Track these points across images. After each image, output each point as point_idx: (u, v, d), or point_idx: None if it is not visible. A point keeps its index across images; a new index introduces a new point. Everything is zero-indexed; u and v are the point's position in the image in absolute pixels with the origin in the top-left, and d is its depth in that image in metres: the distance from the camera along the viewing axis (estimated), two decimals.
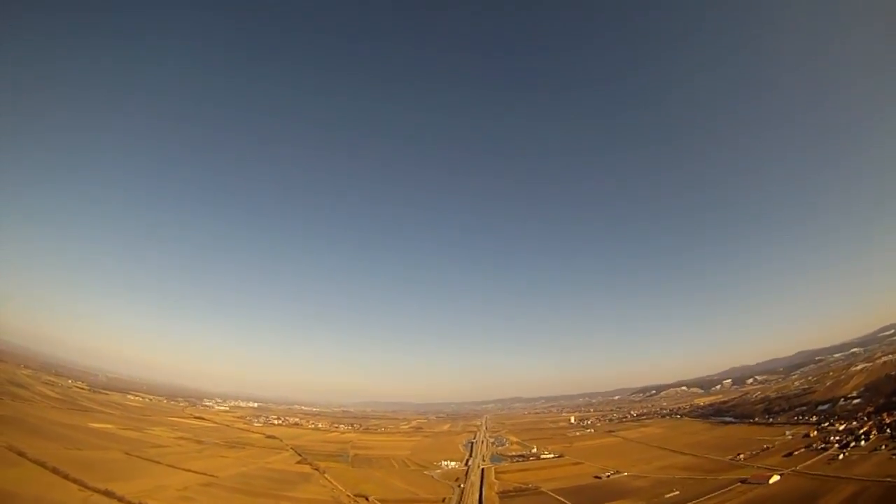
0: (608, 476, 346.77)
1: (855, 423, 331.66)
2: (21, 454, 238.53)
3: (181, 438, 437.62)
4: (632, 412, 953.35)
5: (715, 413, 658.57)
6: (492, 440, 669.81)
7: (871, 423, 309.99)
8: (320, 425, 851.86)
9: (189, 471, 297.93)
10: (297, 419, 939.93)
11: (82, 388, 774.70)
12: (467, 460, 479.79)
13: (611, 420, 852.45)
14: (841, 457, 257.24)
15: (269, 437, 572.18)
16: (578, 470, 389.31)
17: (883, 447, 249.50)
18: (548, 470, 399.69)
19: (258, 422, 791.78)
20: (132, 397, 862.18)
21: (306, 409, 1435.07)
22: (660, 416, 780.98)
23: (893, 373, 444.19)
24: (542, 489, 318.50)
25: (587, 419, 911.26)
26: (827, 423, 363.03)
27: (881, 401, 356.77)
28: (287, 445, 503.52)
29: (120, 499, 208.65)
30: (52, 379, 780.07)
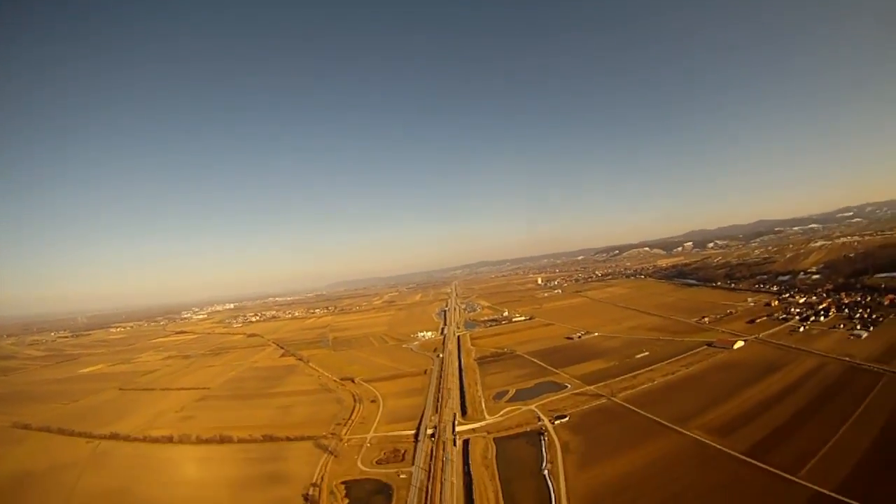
0: (579, 337, 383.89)
1: (814, 297, 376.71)
2: (26, 427, 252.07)
3: (168, 358, 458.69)
4: (597, 272, 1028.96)
5: (678, 275, 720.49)
6: (463, 306, 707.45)
7: (830, 300, 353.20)
8: (297, 313, 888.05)
9: (182, 389, 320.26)
10: (273, 312, 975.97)
11: (66, 337, 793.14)
12: (442, 329, 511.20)
13: (577, 280, 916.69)
14: (801, 329, 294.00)
15: (250, 335, 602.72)
16: (550, 332, 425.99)
17: (841, 326, 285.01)
18: (521, 333, 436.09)
19: (237, 322, 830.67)
20: (115, 330, 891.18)
21: (281, 300, 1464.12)
22: (624, 277, 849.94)
23: (852, 255, 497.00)
24: (518, 352, 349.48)
25: (553, 280, 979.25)
26: (787, 295, 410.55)
27: (840, 280, 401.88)
28: (269, 340, 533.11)
29: (125, 438, 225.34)
30: (35, 338, 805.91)
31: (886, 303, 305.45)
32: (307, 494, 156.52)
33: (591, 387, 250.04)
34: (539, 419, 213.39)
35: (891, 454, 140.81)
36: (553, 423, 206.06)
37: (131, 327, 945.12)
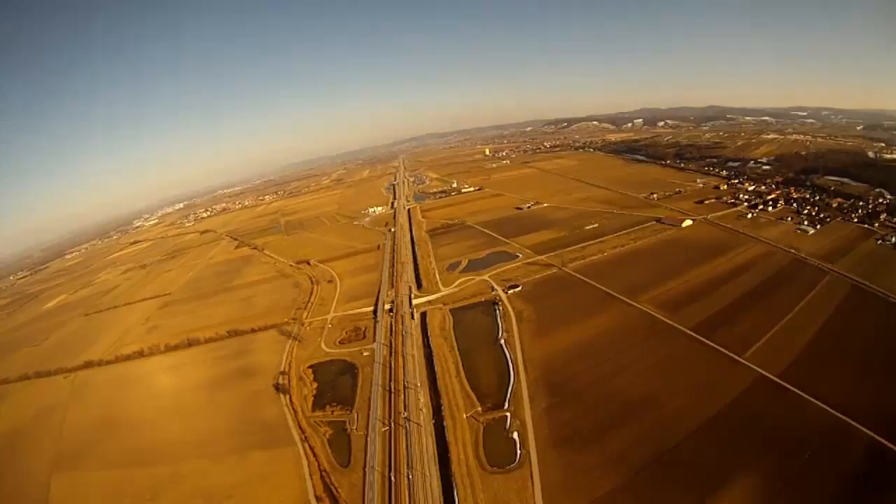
0: (529, 207, 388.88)
1: (764, 187, 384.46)
2: (5, 381, 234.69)
3: (127, 272, 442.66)
4: (545, 144, 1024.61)
5: (627, 150, 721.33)
6: (412, 179, 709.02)
7: (779, 192, 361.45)
8: (247, 202, 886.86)
9: (144, 299, 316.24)
10: (223, 204, 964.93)
11: (25, 276, 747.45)
12: (392, 203, 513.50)
13: (525, 152, 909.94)
14: (750, 216, 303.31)
15: (203, 232, 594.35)
16: (500, 202, 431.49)
17: (789, 219, 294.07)
18: (470, 203, 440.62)
19: (189, 221, 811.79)
20: (70, 256, 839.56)
21: (230, 191, 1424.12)
22: (573, 149, 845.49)
23: (804, 152, 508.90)
24: (469, 223, 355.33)
25: (501, 151, 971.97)
26: (737, 181, 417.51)
27: (790, 174, 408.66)
28: (222, 234, 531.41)
29: (99, 363, 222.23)
30: None
31: (835, 205, 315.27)
32: (277, 384, 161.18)
33: (543, 256, 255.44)
34: (493, 289, 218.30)
35: (832, 347, 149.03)
36: (507, 293, 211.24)
37: (86, 249, 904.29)
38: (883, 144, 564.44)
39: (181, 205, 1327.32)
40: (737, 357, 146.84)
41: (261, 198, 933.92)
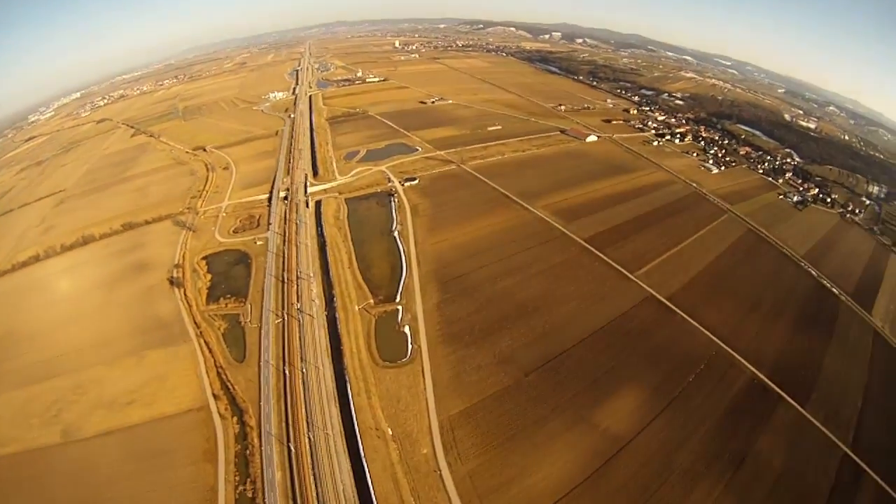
0: (433, 102, 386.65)
1: (674, 120, 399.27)
2: None
3: (21, 171, 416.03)
4: (458, 42, 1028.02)
5: (541, 60, 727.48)
6: (317, 66, 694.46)
7: (688, 128, 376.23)
8: (145, 88, 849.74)
9: (40, 199, 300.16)
10: (121, 92, 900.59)
11: None
12: (294, 89, 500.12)
13: (436, 48, 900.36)
14: (656, 144, 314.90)
15: (99, 122, 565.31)
16: (404, 94, 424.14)
17: (695, 154, 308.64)
18: (374, 94, 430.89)
19: (85, 111, 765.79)
20: None
21: (129, 76, 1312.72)
22: (486, 52, 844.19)
23: (720, 97, 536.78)
24: (370, 113, 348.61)
25: (412, 45, 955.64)
26: (648, 109, 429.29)
27: (702, 114, 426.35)
28: (118, 122, 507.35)
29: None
30: None
31: (742, 153, 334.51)
32: (172, 277, 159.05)
33: (442, 152, 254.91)
34: (389, 180, 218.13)
35: (722, 282, 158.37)
36: (403, 185, 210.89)
37: None
38: (801, 112, 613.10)
39: (78, 94, 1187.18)
40: (629, 274, 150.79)
41: (160, 82, 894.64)
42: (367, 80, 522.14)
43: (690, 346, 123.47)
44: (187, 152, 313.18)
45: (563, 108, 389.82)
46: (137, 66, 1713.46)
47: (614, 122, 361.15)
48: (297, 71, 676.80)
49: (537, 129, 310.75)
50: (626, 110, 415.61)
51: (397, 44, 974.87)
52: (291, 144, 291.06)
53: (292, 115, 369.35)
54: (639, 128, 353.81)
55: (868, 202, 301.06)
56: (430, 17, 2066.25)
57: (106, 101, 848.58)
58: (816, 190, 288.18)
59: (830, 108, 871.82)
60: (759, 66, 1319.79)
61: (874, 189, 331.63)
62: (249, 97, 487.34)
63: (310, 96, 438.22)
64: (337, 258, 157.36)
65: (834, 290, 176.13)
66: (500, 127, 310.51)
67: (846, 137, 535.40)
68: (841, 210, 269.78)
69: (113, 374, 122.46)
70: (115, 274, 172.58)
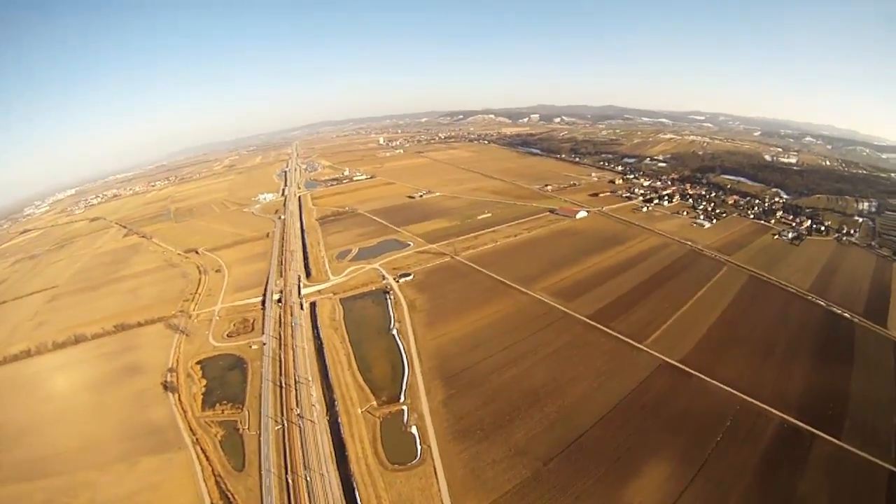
0: (421, 196, 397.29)
1: (659, 183, 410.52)
2: None
3: (15, 263, 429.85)
4: (440, 135, 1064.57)
5: (522, 144, 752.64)
6: (304, 167, 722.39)
7: (675, 188, 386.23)
8: (138, 188, 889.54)
9: (33, 293, 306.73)
10: (115, 190, 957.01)
11: None
12: (283, 190, 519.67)
13: (419, 142, 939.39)
14: (645, 210, 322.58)
15: (93, 220, 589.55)
16: (391, 190, 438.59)
17: (685, 213, 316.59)
18: (362, 191, 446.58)
19: (79, 208, 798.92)
20: None
21: (122, 176, 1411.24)
22: (468, 141, 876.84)
23: (700, 153, 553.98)
24: (360, 211, 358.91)
25: (396, 140, 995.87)
26: (632, 177, 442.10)
27: (686, 172, 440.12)
28: (111, 222, 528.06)
29: None
30: None
31: (730, 202, 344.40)
32: (165, 382, 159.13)
33: (435, 245, 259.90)
34: (384, 277, 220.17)
35: (733, 333, 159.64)
36: (398, 282, 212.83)
37: None
38: (780, 149, 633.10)
39: (73, 191, 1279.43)
40: (637, 344, 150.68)
41: (152, 184, 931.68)
42: (355, 178, 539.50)
43: (712, 406, 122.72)
44: (179, 254, 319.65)
45: (549, 188, 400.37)
46: (130, 167, 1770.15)
47: (601, 194, 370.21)
48: (285, 172, 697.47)
49: (527, 213, 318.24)
50: (612, 181, 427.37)
51: (381, 140, 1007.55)
52: (283, 246, 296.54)
53: (282, 217, 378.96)
54: (626, 196, 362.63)
55: (861, 220, 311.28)
56: (411, 112, 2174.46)
57: (99, 199, 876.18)
58: (809, 222, 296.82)
59: (807, 139, 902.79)
60: (732, 115, 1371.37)
61: (864, 206, 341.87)
62: (239, 199, 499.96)
63: (299, 197, 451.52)
64: (336, 360, 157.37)
65: (845, 314, 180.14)
66: (489, 214, 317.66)
67: (827, 163, 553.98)
68: (836, 235, 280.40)
69: (105, 478, 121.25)
70: (108, 376, 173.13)
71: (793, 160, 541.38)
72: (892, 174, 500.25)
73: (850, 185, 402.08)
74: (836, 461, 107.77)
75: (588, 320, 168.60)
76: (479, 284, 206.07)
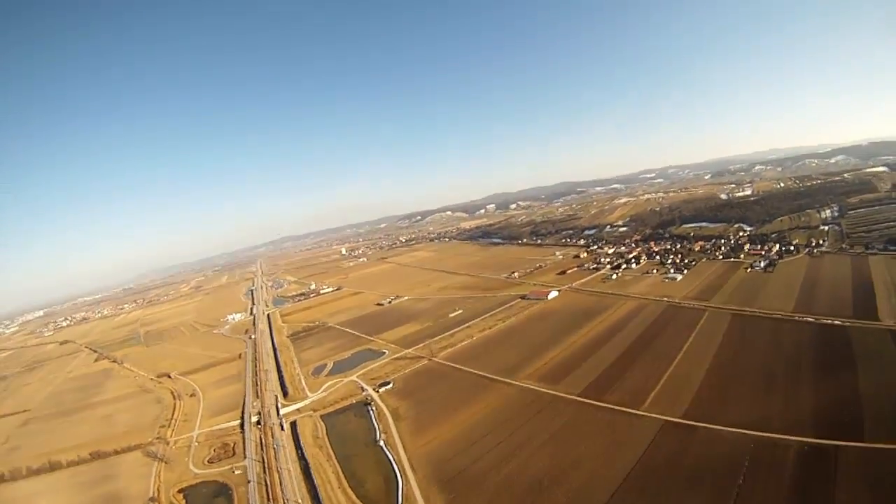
0: (390, 302, 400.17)
1: (624, 248, 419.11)
2: None
3: None
4: (400, 238, 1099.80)
5: (483, 235, 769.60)
6: (270, 284, 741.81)
7: (640, 249, 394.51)
8: (106, 311, 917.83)
9: (4, 416, 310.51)
10: (83, 313, 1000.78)
11: None
12: (251, 309, 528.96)
13: (381, 248, 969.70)
14: (615, 277, 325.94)
15: (62, 343, 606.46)
16: (359, 300, 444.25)
17: (654, 271, 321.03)
18: (330, 304, 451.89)
19: (48, 330, 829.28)
20: None
21: (90, 299, 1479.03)
22: (429, 241, 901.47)
23: (658, 208, 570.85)
24: (330, 324, 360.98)
25: (358, 249, 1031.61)
26: (596, 247, 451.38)
27: (648, 231, 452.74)
28: (81, 345, 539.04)
29: None
30: None
31: (697, 248, 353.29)
32: None
33: (410, 350, 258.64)
34: (363, 389, 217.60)
35: (730, 374, 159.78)
36: (378, 392, 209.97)
37: None
38: (733, 185, 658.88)
39: (41, 312, 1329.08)
40: (635, 411, 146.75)
41: (120, 307, 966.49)
42: (322, 291, 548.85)
43: (726, 451, 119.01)
44: (152, 379, 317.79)
45: (516, 274, 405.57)
46: (98, 289, 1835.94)
47: (569, 271, 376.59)
48: (251, 290, 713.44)
49: (498, 303, 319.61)
50: (577, 256, 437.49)
51: (344, 251, 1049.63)
52: (256, 366, 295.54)
53: (253, 336, 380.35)
54: (594, 268, 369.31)
55: (827, 228, 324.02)
56: (369, 220, 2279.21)
57: (68, 322, 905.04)
58: (777, 246, 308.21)
59: (756, 167, 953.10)
60: (681, 164, 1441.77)
61: (827, 213, 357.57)
62: (209, 320, 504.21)
63: (268, 315, 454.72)
64: (324, 479, 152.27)
65: (836, 322, 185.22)
66: (461, 311, 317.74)
67: (782, 185, 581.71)
68: (807, 250, 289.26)
69: None
70: None
71: (748, 192, 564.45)
72: (845, 174, 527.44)
73: (808, 198, 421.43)
74: (866, 463, 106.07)
75: (580, 398, 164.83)
76: (461, 383, 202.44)
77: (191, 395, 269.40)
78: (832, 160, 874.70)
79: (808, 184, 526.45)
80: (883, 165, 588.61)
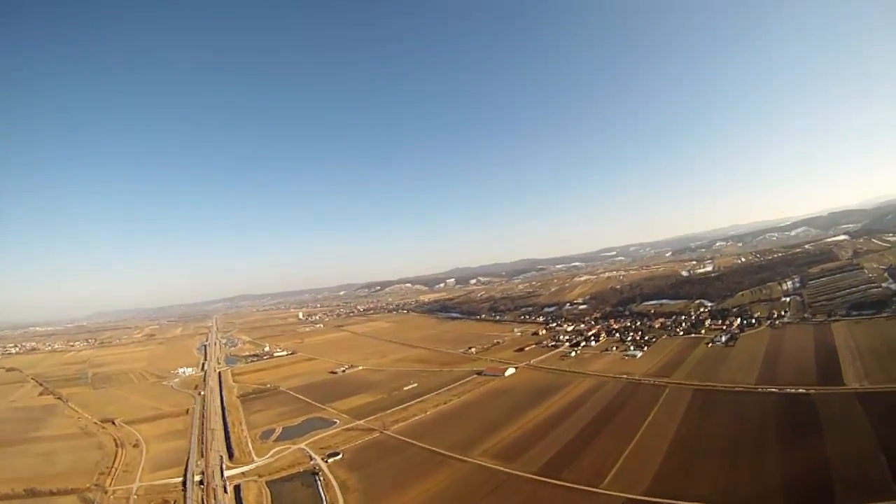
0: (344, 371, 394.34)
1: (583, 325, 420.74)
2: None
3: None
4: (359, 307, 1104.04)
5: (441, 309, 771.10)
6: (224, 341, 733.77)
7: (599, 326, 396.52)
8: (57, 346, 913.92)
9: None
10: (33, 343, 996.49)
11: None
12: (203, 365, 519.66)
13: (339, 315, 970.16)
14: (573, 354, 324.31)
15: (8, 370, 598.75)
16: (313, 366, 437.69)
17: (614, 349, 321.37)
18: (283, 368, 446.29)
19: None
20: None
21: (42, 329, 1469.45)
22: (387, 311, 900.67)
23: (618, 286, 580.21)
24: (282, 388, 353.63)
25: (315, 315, 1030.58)
26: (555, 324, 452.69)
27: (608, 308, 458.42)
28: (27, 376, 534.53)
29: None
30: None
31: (658, 325, 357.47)
32: None
33: (362, 421, 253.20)
34: (311, 458, 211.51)
35: (692, 450, 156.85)
36: (327, 462, 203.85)
37: None
38: (694, 262, 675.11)
39: None
40: (594, 489, 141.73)
41: (71, 343, 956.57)
42: (276, 354, 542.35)
43: None
44: (96, 423, 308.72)
45: (473, 350, 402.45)
46: (50, 321, 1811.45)
47: (527, 348, 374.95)
48: (205, 346, 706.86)
49: (454, 378, 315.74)
50: (535, 333, 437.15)
51: (301, 315, 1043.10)
52: (203, 423, 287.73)
53: (202, 392, 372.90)
54: (552, 345, 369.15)
55: (788, 299, 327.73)
56: (328, 286, 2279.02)
57: (18, 349, 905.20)
58: (739, 319, 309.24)
59: (717, 244, 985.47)
60: (642, 242, 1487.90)
61: (788, 285, 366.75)
62: (159, 371, 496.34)
63: (219, 372, 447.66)
64: None
65: (801, 390, 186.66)
66: (416, 384, 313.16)
67: (742, 260, 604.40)
68: (769, 322, 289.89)
69: None
70: None
71: (709, 268, 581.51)
72: (806, 245, 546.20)
73: (769, 271, 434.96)
74: None
75: (536, 477, 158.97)
76: (414, 458, 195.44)
77: (134, 445, 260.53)
78: (793, 232, 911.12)
79: (769, 257, 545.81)
80: (843, 234, 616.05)
